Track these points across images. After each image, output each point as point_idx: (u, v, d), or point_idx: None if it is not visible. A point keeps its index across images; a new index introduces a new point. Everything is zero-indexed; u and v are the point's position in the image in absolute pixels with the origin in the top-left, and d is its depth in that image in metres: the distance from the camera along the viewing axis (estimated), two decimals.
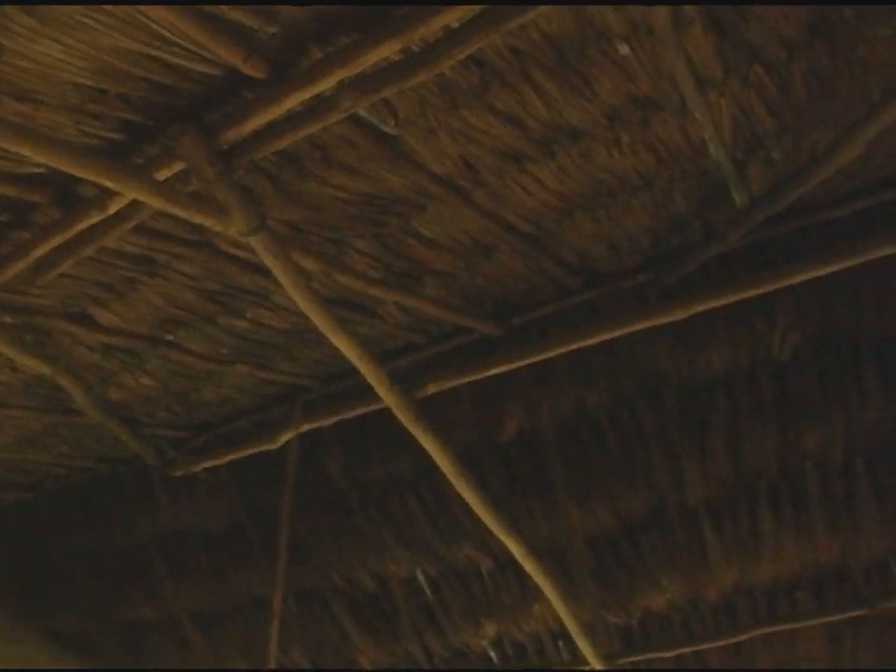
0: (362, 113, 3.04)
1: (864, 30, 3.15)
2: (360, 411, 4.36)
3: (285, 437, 4.61)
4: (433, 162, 3.35)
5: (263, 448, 4.82)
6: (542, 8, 2.56)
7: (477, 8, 2.55)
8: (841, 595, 4.96)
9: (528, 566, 4.34)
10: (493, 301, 4.42)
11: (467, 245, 3.89)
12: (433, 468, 4.17)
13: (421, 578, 5.53)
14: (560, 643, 5.45)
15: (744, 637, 5.14)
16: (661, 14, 2.77)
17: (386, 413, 3.95)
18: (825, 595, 4.99)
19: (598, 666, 5.06)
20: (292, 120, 2.91)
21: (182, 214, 2.91)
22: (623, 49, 2.94)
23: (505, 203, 3.63)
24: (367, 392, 3.88)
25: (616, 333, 3.68)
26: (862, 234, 3.87)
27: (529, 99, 3.09)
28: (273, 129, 2.95)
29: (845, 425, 4.52)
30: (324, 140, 3.18)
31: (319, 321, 3.18)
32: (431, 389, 3.68)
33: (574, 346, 4.00)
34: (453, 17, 2.56)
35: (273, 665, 5.36)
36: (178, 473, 5.41)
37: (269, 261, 3.11)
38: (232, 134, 2.90)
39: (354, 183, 3.43)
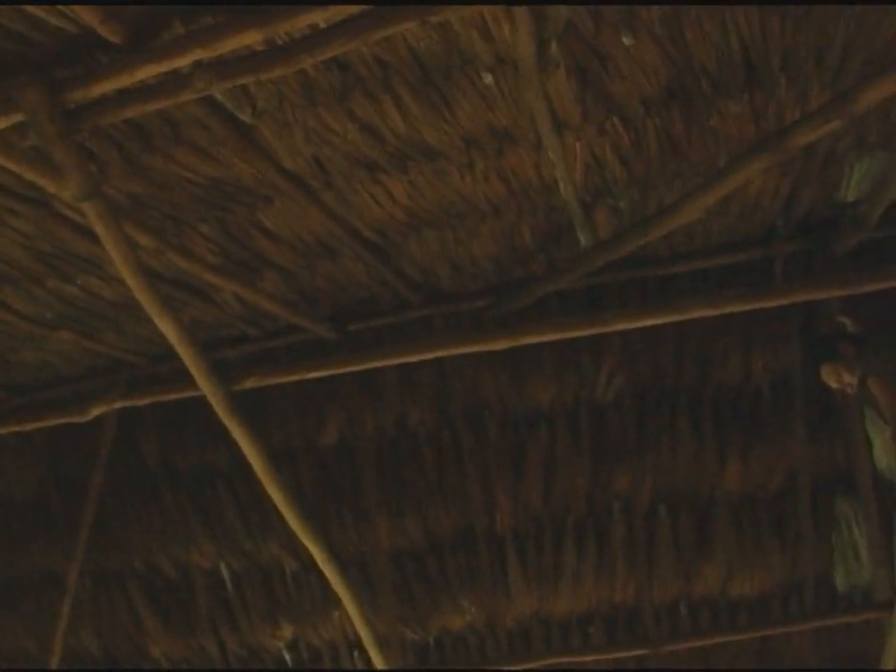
0: (219, 97, 2.97)
1: (719, 101, 3.29)
2: (177, 396, 4.24)
3: (96, 411, 4.43)
4: (285, 157, 3.30)
5: (73, 420, 4.62)
6: (411, 24, 2.55)
7: (346, 12, 2.53)
8: (631, 634, 5.14)
9: (329, 572, 4.30)
10: (331, 304, 4.39)
11: (310, 244, 3.86)
12: (250, 463, 4.10)
13: (224, 571, 5.42)
14: (355, 653, 5.42)
15: (535, 665, 5.25)
16: (527, 51, 2.80)
17: (208, 401, 3.86)
18: (616, 632, 5.16)
19: None
20: (144, 92, 2.81)
21: (13, 167, 2.78)
22: (487, 79, 2.97)
23: (353, 209, 3.62)
24: (188, 377, 3.79)
25: (447, 353, 3.70)
26: (695, 293, 4.03)
27: (389, 111, 3.08)
28: (124, 97, 2.84)
29: (654, 471, 4.69)
30: (176, 118, 3.09)
31: (143, 298, 3.08)
32: (250, 383, 3.61)
33: (405, 360, 3.99)
34: (321, 16, 2.53)
35: (59, 645, 5.16)
36: None
37: (100, 230, 2.99)
38: (80, 95, 2.78)
39: (203, 165, 3.34)
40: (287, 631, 5.47)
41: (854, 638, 5.18)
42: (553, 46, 2.87)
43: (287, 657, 5.59)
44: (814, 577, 5.01)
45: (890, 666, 4.86)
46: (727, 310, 3.29)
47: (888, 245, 4.29)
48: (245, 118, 3.08)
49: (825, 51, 3.15)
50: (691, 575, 4.95)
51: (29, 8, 2.57)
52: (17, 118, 2.87)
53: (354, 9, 2.46)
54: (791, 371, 4.60)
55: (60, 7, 2.54)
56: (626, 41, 2.91)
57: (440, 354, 3.80)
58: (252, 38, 2.57)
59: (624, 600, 5.06)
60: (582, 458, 4.65)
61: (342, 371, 4.09)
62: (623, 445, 4.62)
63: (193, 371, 3.35)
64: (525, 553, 4.90)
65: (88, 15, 2.56)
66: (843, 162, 3.83)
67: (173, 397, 4.29)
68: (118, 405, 4.43)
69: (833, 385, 3.82)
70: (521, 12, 2.59)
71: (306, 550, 4.69)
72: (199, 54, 2.62)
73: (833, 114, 2.80)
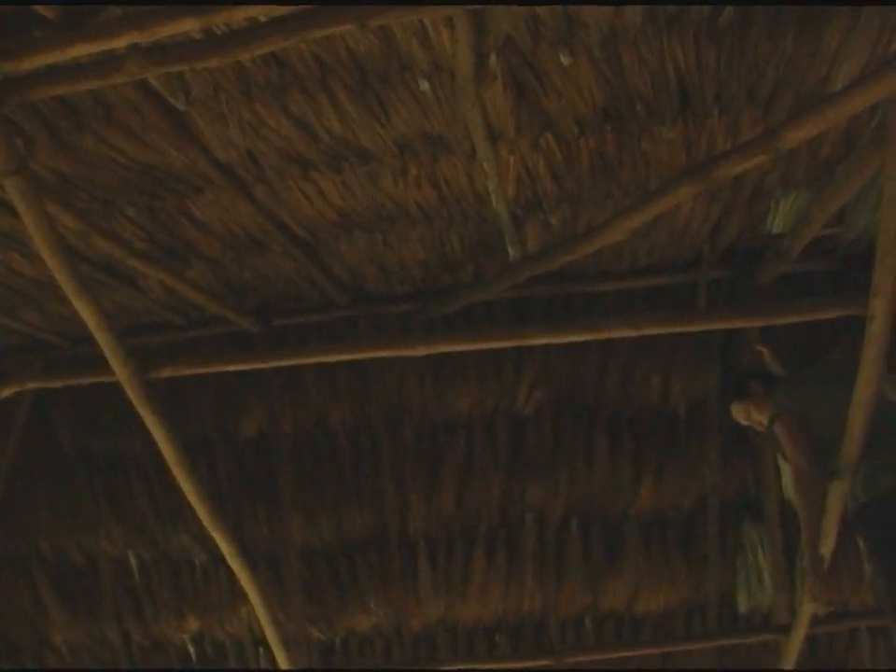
0: (153, 82, 2.94)
1: (652, 127, 3.35)
2: (93, 380, 4.17)
3: (8, 391, 4.35)
4: (218, 148, 3.29)
5: None
6: (350, 26, 2.56)
7: (286, 9, 2.52)
8: (536, 644, 5.19)
9: (237, 567, 4.27)
10: (257, 298, 4.37)
11: (240, 237, 3.84)
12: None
13: (132, 560, 5.34)
14: (260, 650, 5.38)
15: (439, 670, 5.27)
16: (465, 62, 2.83)
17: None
18: (522, 642, 5.20)
19: None
20: (76, 70, 2.77)
21: None
22: (425, 86, 2.99)
23: (284, 205, 3.61)
24: (106, 362, 3.73)
25: (369, 355, 3.69)
26: (619, 312, 4.09)
27: (325, 110, 3.09)
28: (55, 73, 2.79)
29: (569, 485, 4.75)
30: (109, 99, 3.06)
31: (62, 278, 3.03)
32: (168, 372, 3.56)
33: (328, 359, 3.98)
34: (261, 11, 2.52)
35: None
36: None
37: (21, 207, 2.94)
38: (9, 67, 2.73)
39: (134, 149, 3.31)
40: (193, 624, 5.40)
41: (752, 658, 5.28)
42: (492, 58, 2.90)
43: (192, 650, 5.52)
44: (718, 597, 5.11)
45: None
46: (648, 332, 3.34)
47: (807, 279, 4.40)
48: (180, 105, 3.06)
49: (757, 87, 3.23)
50: (598, 589, 5.01)
51: None
52: None
53: (294, 7, 2.46)
54: (709, 396, 4.69)
55: None
56: (564, 60, 2.95)
57: (362, 356, 3.80)
58: (189, 26, 2.55)
59: (531, 611, 5.10)
60: (498, 468, 4.69)
61: (264, 365, 4.06)
62: (540, 458, 4.67)
63: (109, 355, 3.31)
64: (436, 558, 4.92)
65: None
66: (770, 196, 3.92)
67: (89, 381, 4.22)
68: (32, 386, 4.35)
69: (743, 422, 3.88)
70: (461, 22, 2.62)
71: (217, 543, 4.66)
72: (135, 37, 2.59)
73: (759, 149, 2.86)
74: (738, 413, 3.85)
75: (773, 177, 3.76)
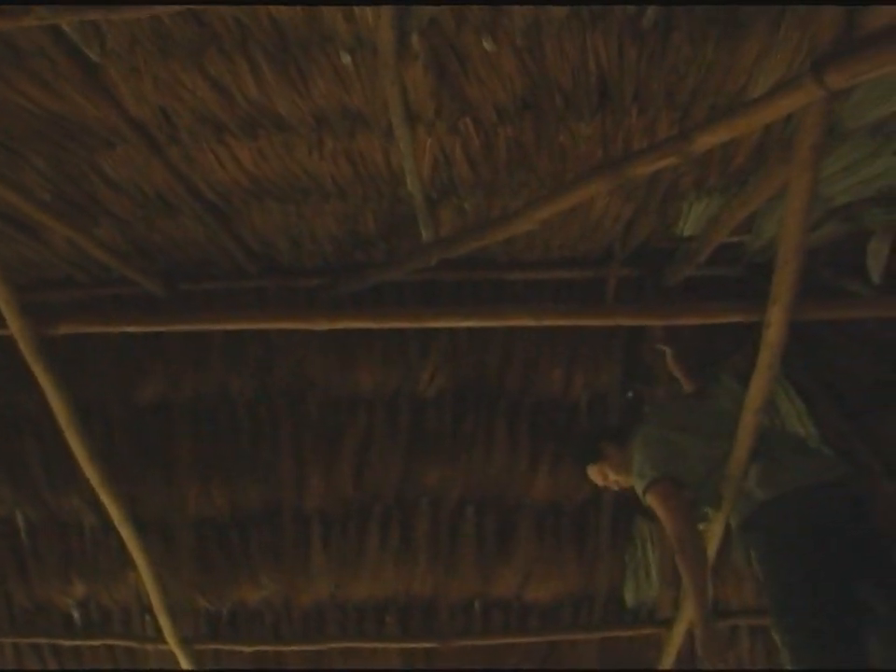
0: (66, 29, 2.86)
1: (570, 120, 3.37)
2: None
3: None
4: (131, 104, 3.21)
5: None
6: None
7: None
8: (424, 626, 5.23)
9: (126, 533, 4.22)
10: (164, 261, 4.28)
11: (150, 197, 3.76)
12: None
13: (19, 520, 5.21)
14: (147, 617, 5.31)
15: (327, 646, 5.28)
16: (387, 38, 2.81)
17: None
18: (410, 623, 5.23)
19: (175, 648, 4.99)
20: None
21: None
22: (346, 59, 2.96)
23: (197, 167, 3.54)
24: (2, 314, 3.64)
25: (273, 326, 3.67)
26: (525, 302, 4.12)
27: (243, 75, 3.03)
28: None
29: (466, 471, 4.79)
30: (19, 44, 2.96)
31: None
32: (64, 329, 3.49)
33: (233, 328, 3.95)
34: None
35: None
36: None
37: None
38: None
39: (43, 97, 3.20)
40: (80, 589, 5.30)
41: (635, 651, 5.41)
42: (415, 38, 2.88)
43: (76, 615, 5.42)
44: (606, 590, 5.21)
45: None
46: (548, 323, 3.38)
47: (713, 283, 4.49)
48: (93, 55, 2.98)
49: (676, 90, 3.27)
50: (489, 575, 5.06)
51: None
52: None
53: None
54: (610, 391, 4.76)
55: None
56: (487, 46, 2.95)
57: (267, 326, 3.78)
58: None
59: (422, 593, 5.14)
60: (397, 449, 4.70)
61: (167, 329, 4.02)
62: (439, 442, 4.70)
63: (4, 308, 3.23)
64: (330, 535, 4.92)
65: None
66: (683, 199, 3.98)
67: None
68: None
69: (601, 484, 3.89)
70: None
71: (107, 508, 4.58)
72: None
73: (671, 150, 2.91)
74: (595, 475, 3.86)
75: (687, 181, 3.82)
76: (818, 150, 2.78)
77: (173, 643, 4.96)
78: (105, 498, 4.08)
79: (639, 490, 3.53)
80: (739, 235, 4.19)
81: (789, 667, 3.13)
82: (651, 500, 3.47)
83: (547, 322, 3.33)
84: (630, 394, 4.72)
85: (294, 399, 4.63)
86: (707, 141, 2.86)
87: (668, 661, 5.09)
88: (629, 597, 5.23)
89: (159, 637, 5.03)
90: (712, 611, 3.27)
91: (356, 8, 2.74)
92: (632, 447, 3.66)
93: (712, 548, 3.96)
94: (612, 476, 3.80)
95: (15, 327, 3.29)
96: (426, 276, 4.25)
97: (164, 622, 4.85)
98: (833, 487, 3.34)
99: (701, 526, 3.68)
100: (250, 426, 4.70)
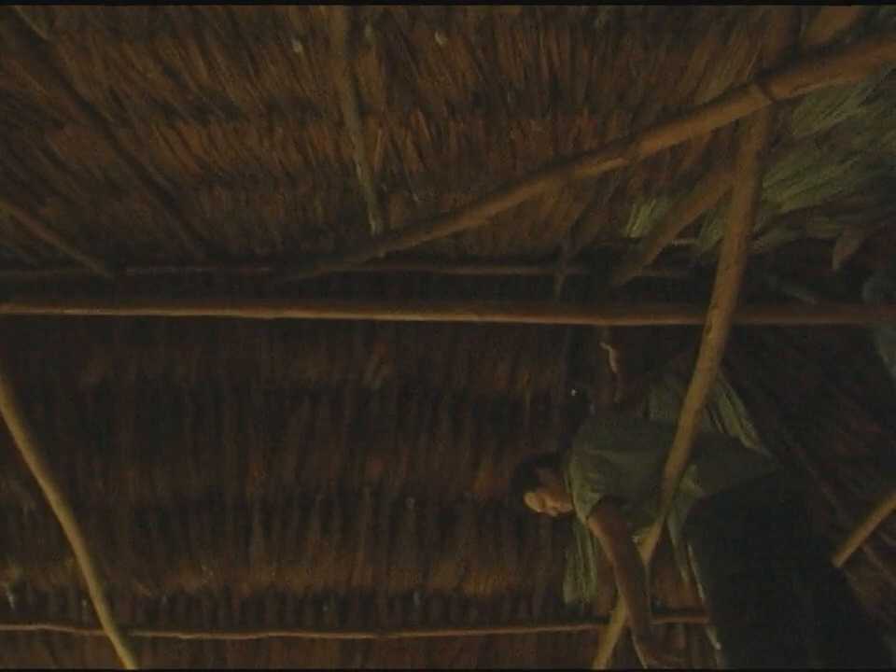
0: (16, 7, 2.83)
1: (521, 118, 3.39)
2: None
3: None
4: (81, 84, 3.17)
5: None
6: None
7: None
8: (363, 618, 5.24)
9: (63, 516, 4.18)
10: (112, 244, 4.23)
11: (98, 178, 3.71)
12: None
13: None
14: (84, 602, 5.25)
15: (265, 635, 5.27)
16: (340, 29, 2.81)
17: None
18: (349, 614, 5.24)
19: (111, 634, 4.95)
20: None
21: None
22: (298, 48, 2.96)
23: (146, 151, 3.51)
24: None
25: (218, 313, 3.63)
26: (472, 297, 4.14)
27: (195, 60, 3.02)
28: None
29: (408, 463, 4.80)
30: None
31: None
32: (6, 309, 3.44)
33: (178, 314, 3.91)
34: None
35: None
36: None
37: None
38: None
39: None
40: (15, 572, 5.24)
41: (572, 646, 5.47)
42: (368, 29, 2.89)
43: (11, 599, 5.35)
44: (545, 585, 5.26)
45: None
46: (495, 320, 3.39)
47: (659, 285, 4.54)
48: (42, 33, 2.95)
49: (627, 92, 3.31)
50: (429, 568, 5.09)
51: None
52: None
53: None
54: (553, 388, 4.79)
55: None
56: (440, 40, 2.97)
57: (211, 313, 3.74)
58: None
59: (361, 584, 5.15)
60: (340, 439, 4.70)
61: (112, 312, 3.96)
62: (382, 433, 4.70)
63: None
64: (271, 524, 4.91)
65: None
66: (632, 201, 4.01)
67: None
68: None
69: (538, 510, 3.84)
70: None
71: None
72: None
73: (618, 152, 2.93)
74: (532, 502, 3.80)
75: (636, 182, 3.86)
76: (762, 157, 2.81)
77: (109, 629, 4.92)
78: (44, 481, 4.03)
79: (582, 516, 3.52)
80: (687, 238, 4.23)
81: (724, 660, 3.17)
82: (592, 525, 3.48)
83: (490, 319, 3.34)
84: (574, 392, 4.76)
85: (238, 386, 4.61)
86: (653, 144, 2.89)
87: (605, 657, 5.15)
88: (568, 594, 5.28)
89: (95, 622, 4.98)
90: (652, 621, 3.29)
91: None
92: (569, 470, 3.66)
93: (651, 546, 4.01)
94: (550, 503, 3.77)
95: None
96: (374, 268, 4.25)
97: (101, 607, 4.81)
98: (767, 481, 3.39)
99: (644, 531, 3.72)
100: (193, 412, 4.68)
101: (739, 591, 3.13)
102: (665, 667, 3.16)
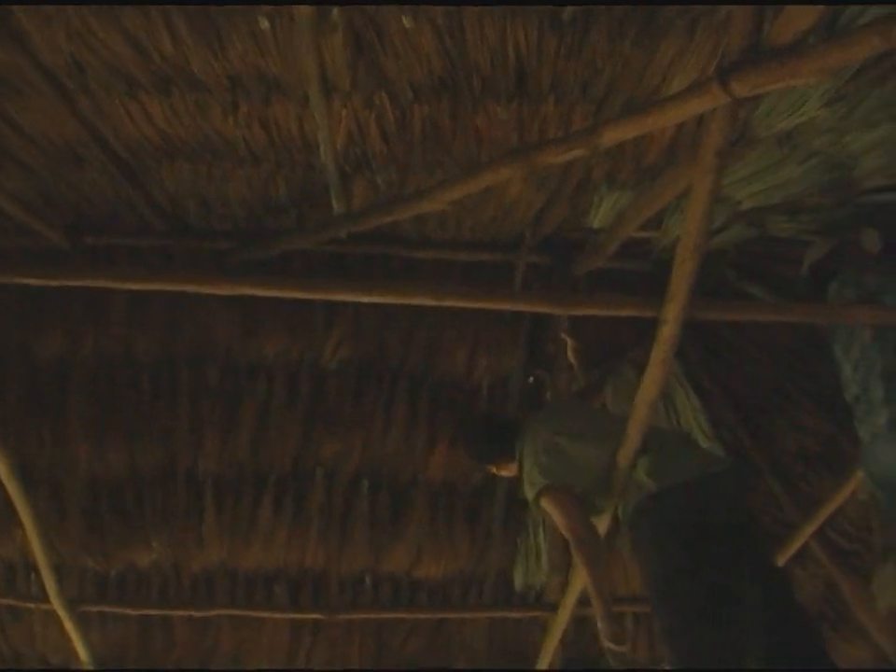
0: None
1: (487, 104, 3.39)
2: None
3: None
4: (43, 51, 3.13)
5: None
6: None
7: None
8: (313, 598, 5.24)
9: (12, 488, 4.13)
10: (71, 214, 4.19)
11: (59, 147, 3.67)
12: None
13: None
14: (32, 576, 5.20)
15: (214, 613, 5.26)
16: (306, 7, 2.80)
17: None
18: (300, 594, 5.24)
19: (59, 608, 4.91)
20: None
21: None
22: (264, 25, 2.94)
23: (108, 121, 3.48)
24: None
25: (176, 288, 3.60)
26: (436, 280, 4.14)
27: (159, 31, 2.99)
28: None
29: (363, 445, 4.80)
30: None
31: None
32: None
33: (136, 287, 3.87)
34: None
35: None
36: None
37: None
38: None
39: None
40: None
41: (521, 632, 5.52)
42: (335, 10, 2.88)
43: None
44: (496, 571, 5.29)
45: (548, 658, 5.23)
46: (452, 304, 3.38)
47: (620, 277, 4.56)
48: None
49: (592, 83, 3.32)
50: (381, 551, 5.09)
51: None
52: None
53: None
54: (511, 376, 4.81)
55: None
56: (406, 22, 2.96)
57: (169, 287, 3.71)
58: None
59: (313, 565, 5.16)
60: (295, 419, 4.69)
61: (69, 283, 3.91)
62: (338, 414, 4.70)
63: None
64: (223, 501, 4.89)
65: None
66: (595, 191, 4.03)
67: None
68: None
69: (504, 474, 3.95)
70: None
71: None
72: None
73: (580, 142, 2.94)
74: (497, 470, 3.95)
75: (599, 173, 3.88)
76: (722, 154, 2.83)
77: (57, 604, 4.88)
78: None
79: (529, 496, 3.57)
80: (649, 231, 4.25)
81: (667, 651, 3.20)
82: (544, 505, 3.51)
83: (448, 303, 3.34)
84: (531, 379, 4.78)
85: (195, 362, 4.58)
86: (614, 136, 2.90)
87: (553, 644, 5.19)
88: (518, 580, 5.31)
89: (43, 596, 4.94)
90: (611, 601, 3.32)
91: None
92: (523, 446, 3.69)
93: (602, 535, 4.04)
94: (504, 470, 3.87)
95: None
96: (335, 248, 4.25)
97: (49, 581, 4.78)
98: (717, 479, 3.42)
99: (593, 518, 3.75)
100: (149, 387, 4.64)
101: (686, 585, 3.17)
102: (618, 657, 3.20)
